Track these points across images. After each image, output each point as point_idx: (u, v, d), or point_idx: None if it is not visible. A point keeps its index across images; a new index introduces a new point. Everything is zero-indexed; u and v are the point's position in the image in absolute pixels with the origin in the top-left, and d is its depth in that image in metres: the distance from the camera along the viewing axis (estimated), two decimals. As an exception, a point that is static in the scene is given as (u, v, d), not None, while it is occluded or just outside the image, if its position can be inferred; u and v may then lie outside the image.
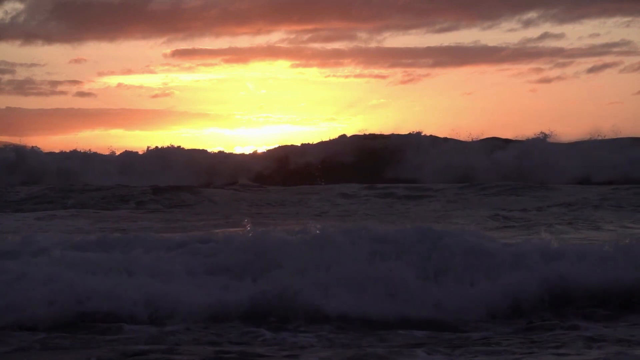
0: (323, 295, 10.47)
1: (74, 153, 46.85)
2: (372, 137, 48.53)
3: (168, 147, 47.92)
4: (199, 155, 47.94)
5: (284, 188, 34.44)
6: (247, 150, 50.93)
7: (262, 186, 36.65)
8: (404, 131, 47.72)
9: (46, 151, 46.96)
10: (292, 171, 45.11)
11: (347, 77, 66.31)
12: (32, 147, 46.04)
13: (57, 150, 47.85)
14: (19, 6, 78.81)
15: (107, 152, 48.32)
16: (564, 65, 72.77)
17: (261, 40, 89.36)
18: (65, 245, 12.02)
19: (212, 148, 49.02)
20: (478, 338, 9.34)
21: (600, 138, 43.32)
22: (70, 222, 21.53)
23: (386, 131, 48.92)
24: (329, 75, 66.22)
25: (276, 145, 49.32)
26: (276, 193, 32.01)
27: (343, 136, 48.96)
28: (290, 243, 11.43)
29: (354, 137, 48.86)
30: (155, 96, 71.27)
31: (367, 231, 11.82)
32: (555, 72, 76.15)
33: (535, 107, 69.46)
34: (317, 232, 11.71)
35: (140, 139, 73.61)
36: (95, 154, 47.40)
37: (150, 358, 8.21)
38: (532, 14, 76.02)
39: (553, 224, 19.58)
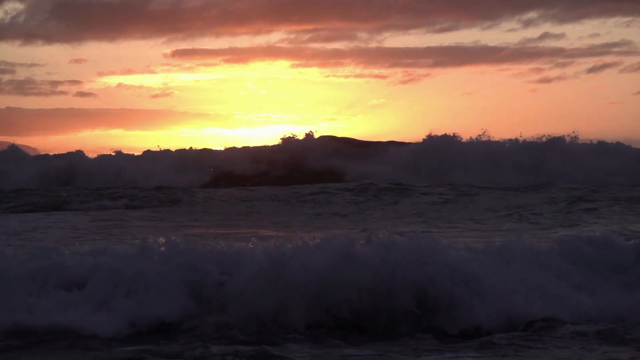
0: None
1: (51, 156, 46.47)
2: (343, 140, 47.92)
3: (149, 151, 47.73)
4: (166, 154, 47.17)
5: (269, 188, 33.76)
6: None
7: (249, 186, 36.11)
8: (401, 132, 47.03)
9: (44, 152, 46.81)
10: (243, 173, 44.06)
11: (347, 77, 66.57)
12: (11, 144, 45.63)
13: (57, 151, 47.72)
14: (19, 6, 79.19)
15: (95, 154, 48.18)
16: (564, 65, 73.12)
17: (261, 40, 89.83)
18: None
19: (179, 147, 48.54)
20: (477, 337, 9.29)
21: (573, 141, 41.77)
22: (68, 220, 21.44)
23: (384, 131, 48.43)
24: (329, 75, 66.46)
25: (242, 146, 48.70)
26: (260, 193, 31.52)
27: (310, 138, 48.16)
28: None
29: (322, 138, 48.16)
30: (155, 96, 71.55)
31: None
32: (555, 72, 76.50)
33: (535, 107, 69.80)
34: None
35: (140, 139, 73.84)
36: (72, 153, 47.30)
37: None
38: (532, 14, 76.34)
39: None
